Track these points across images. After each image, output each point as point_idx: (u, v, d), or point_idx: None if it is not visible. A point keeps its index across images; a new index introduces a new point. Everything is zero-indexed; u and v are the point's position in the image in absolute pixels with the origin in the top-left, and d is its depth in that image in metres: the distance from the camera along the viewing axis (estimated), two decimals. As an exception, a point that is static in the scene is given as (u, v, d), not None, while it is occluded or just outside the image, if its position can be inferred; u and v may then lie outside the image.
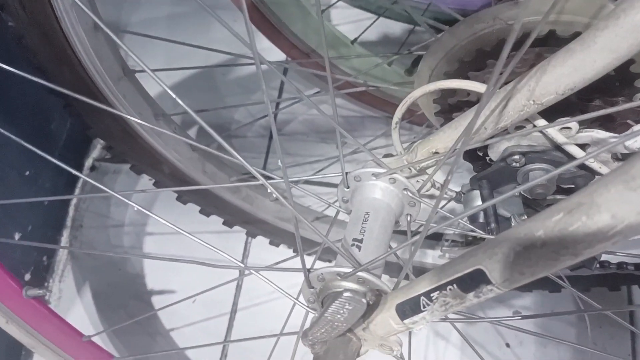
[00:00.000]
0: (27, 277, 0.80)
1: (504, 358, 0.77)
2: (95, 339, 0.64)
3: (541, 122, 0.40)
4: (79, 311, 0.82)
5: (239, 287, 0.82)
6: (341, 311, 0.29)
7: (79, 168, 0.91)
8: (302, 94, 0.42)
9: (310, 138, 0.92)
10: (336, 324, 0.30)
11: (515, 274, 0.27)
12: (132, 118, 0.56)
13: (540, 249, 0.26)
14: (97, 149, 0.94)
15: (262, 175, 0.39)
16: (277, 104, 0.93)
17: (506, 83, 0.38)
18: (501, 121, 0.38)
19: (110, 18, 0.99)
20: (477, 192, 0.46)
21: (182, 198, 0.71)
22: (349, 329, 0.34)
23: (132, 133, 0.61)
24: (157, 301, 0.82)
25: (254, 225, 0.76)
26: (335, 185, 0.44)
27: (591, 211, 0.24)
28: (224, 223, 0.75)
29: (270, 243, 0.80)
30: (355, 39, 0.80)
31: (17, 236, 0.78)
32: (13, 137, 0.46)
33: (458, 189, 0.49)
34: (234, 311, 0.81)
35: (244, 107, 0.94)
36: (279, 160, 0.42)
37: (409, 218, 0.44)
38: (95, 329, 0.80)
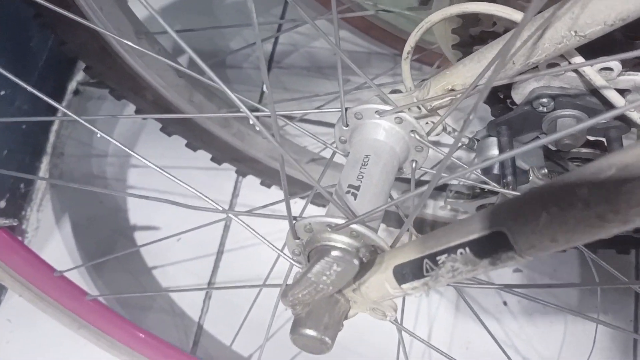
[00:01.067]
0: (2, 204, 0.75)
1: (500, 317, 0.74)
2: (71, 275, 0.60)
3: (578, 59, 0.33)
4: (57, 244, 0.77)
5: (226, 228, 0.78)
6: (327, 272, 0.24)
7: (62, 91, 0.85)
8: (305, 17, 0.35)
9: (311, 73, 0.86)
10: (321, 286, 0.25)
11: (545, 241, 0.22)
12: (108, 33, 0.50)
13: (582, 211, 0.20)
14: (81, 72, 0.87)
15: (248, 106, 0.33)
16: (279, 28, 0.85)
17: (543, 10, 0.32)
18: (534, 55, 0.32)
19: None
20: (493, 140, 0.40)
21: (167, 129, 0.65)
22: (334, 286, 0.29)
23: (111, 52, 0.54)
24: (139, 237, 0.78)
25: (244, 164, 0.70)
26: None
27: (655, 167, 0.19)
28: (212, 159, 0.69)
29: (262, 184, 0.74)
30: None
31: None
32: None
33: (471, 135, 0.44)
34: (220, 252, 0.77)
35: (240, 36, 0.86)
36: (264, 86, 0.37)
37: (414, 165, 0.39)
38: (74, 264, 0.76)
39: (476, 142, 0.42)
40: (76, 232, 0.78)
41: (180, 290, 0.71)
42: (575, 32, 0.30)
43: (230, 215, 0.36)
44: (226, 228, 0.78)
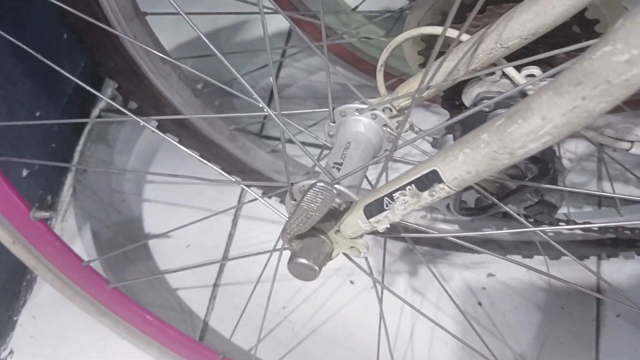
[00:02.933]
0: (32, 212, 0.84)
1: (475, 316, 0.82)
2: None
3: (504, 64, 0.44)
4: (79, 248, 0.87)
5: (230, 237, 0.87)
6: (315, 200, 0.34)
7: (86, 116, 0.96)
8: (308, 42, 0.46)
9: (307, 103, 0.97)
10: (310, 213, 0.34)
11: (463, 173, 0.32)
12: (140, 60, 0.61)
13: (484, 149, 0.30)
14: (103, 101, 0.98)
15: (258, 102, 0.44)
16: (283, 53, 0.98)
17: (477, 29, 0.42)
18: (472, 63, 0.43)
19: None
20: (451, 136, 0.51)
21: (183, 142, 0.75)
22: (323, 232, 0.39)
23: (140, 73, 0.65)
24: (153, 242, 0.87)
25: (249, 175, 0.80)
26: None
27: (526, 114, 0.29)
28: (222, 169, 0.80)
29: (263, 194, 0.84)
30: (356, 7, 0.85)
31: (24, 172, 0.82)
32: (48, 62, 0.50)
33: (437, 136, 0.54)
34: (225, 258, 0.86)
35: (250, 63, 0.97)
36: (273, 87, 0.47)
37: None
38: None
39: (437, 140, 0.52)
40: (96, 239, 0.88)
41: (195, 266, 0.80)
42: (501, 44, 0.41)
43: (242, 185, 0.46)
44: (230, 237, 0.87)
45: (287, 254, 0.40)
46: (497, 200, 0.50)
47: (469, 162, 0.31)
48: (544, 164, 0.47)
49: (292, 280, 0.71)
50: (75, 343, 0.82)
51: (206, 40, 0.44)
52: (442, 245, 0.85)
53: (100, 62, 0.64)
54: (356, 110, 0.47)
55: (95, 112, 0.98)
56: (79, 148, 0.94)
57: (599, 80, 0.25)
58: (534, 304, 0.82)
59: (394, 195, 0.34)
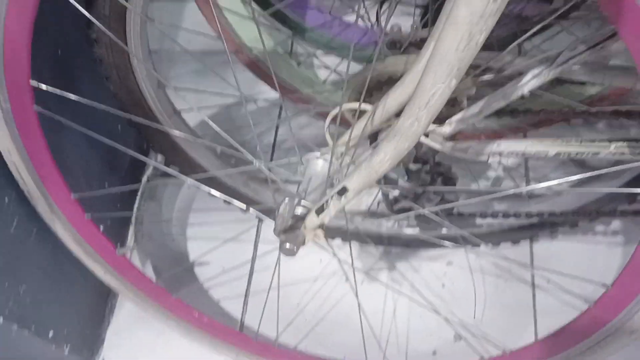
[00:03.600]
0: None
1: (441, 294, 1.10)
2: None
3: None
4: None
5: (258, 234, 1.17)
6: (286, 208, 0.63)
7: (138, 182, 1.29)
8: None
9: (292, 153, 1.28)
10: (285, 215, 0.64)
11: (356, 185, 0.62)
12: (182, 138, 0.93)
13: (364, 171, 0.61)
14: (150, 169, 1.31)
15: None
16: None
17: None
18: (382, 120, 0.73)
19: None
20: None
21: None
22: (297, 228, 0.69)
23: (179, 149, 0.97)
24: (197, 268, 1.18)
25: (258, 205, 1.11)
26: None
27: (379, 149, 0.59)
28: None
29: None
30: (324, 80, 1.17)
31: (101, 227, 1.14)
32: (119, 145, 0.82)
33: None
34: (251, 273, 1.16)
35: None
36: (258, 144, 0.78)
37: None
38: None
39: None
40: (155, 269, 1.19)
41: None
42: (388, 112, 0.71)
43: (262, 167, 0.75)
44: (257, 234, 1.17)
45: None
46: (412, 202, 0.80)
47: (360, 179, 0.61)
48: (432, 169, 0.77)
49: (302, 284, 1.03)
50: (150, 349, 1.11)
51: (213, 125, 0.75)
52: (410, 245, 1.13)
53: (154, 145, 0.97)
54: (315, 157, 0.78)
55: (144, 178, 1.31)
56: (135, 206, 1.27)
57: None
58: (483, 280, 1.10)
59: (327, 202, 0.65)
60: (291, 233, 0.69)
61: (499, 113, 0.96)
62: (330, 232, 1.11)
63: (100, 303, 1.15)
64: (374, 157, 0.58)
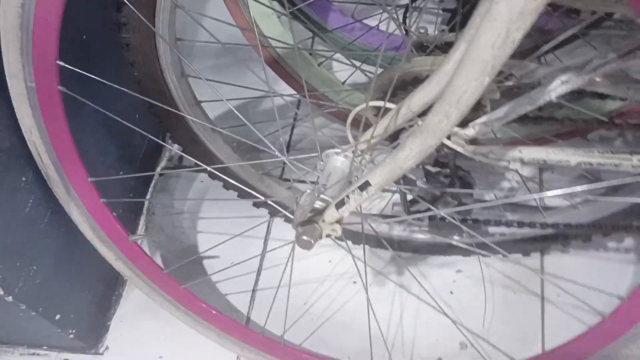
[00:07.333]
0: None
1: (448, 301, 1.10)
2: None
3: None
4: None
5: (268, 231, 1.17)
6: (307, 200, 0.63)
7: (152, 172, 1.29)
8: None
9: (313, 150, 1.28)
10: (305, 207, 0.64)
11: (381, 181, 0.62)
12: (197, 120, 0.93)
13: (388, 165, 0.61)
14: (164, 160, 1.32)
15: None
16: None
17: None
18: (398, 123, 0.73)
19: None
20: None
21: (226, 186, 1.07)
22: (315, 221, 0.69)
23: (198, 140, 0.98)
24: (206, 260, 1.18)
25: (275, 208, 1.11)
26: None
27: (404, 145, 0.59)
28: (253, 204, 1.11)
29: (285, 220, 1.15)
30: (344, 81, 1.18)
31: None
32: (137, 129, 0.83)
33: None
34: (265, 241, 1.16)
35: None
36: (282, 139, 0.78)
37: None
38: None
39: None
40: (165, 260, 1.19)
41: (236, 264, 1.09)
42: (411, 110, 0.71)
43: (285, 160, 0.75)
44: (268, 231, 1.17)
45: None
46: (430, 205, 0.80)
47: (383, 175, 0.61)
48: (452, 172, 0.77)
49: (310, 283, 1.03)
50: (154, 339, 1.11)
51: (239, 115, 0.76)
52: (420, 251, 1.13)
53: (173, 134, 0.97)
54: (335, 153, 0.78)
55: (158, 169, 1.31)
56: (147, 196, 1.27)
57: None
58: (492, 290, 1.10)
59: (349, 195, 0.65)
60: (309, 226, 0.68)
61: (522, 120, 0.97)
62: (346, 233, 1.12)
63: (107, 291, 1.15)
64: (399, 153, 0.58)
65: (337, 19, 1.28)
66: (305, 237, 0.67)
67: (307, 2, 1.17)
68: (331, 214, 0.68)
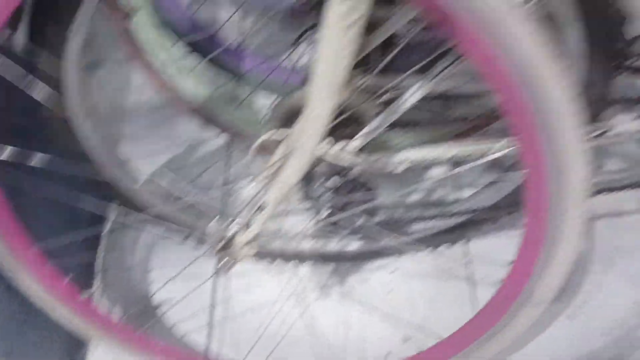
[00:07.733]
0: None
1: (387, 299, 1.19)
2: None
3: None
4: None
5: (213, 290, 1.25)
6: (215, 230, 0.73)
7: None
8: None
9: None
10: (217, 236, 0.73)
11: (273, 198, 0.71)
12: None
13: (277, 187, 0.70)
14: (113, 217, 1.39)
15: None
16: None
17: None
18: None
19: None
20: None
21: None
22: (231, 246, 0.78)
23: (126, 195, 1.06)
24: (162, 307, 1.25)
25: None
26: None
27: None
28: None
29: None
30: (262, 118, 1.29)
31: (66, 277, 1.21)
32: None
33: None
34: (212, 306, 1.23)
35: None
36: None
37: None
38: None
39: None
40: (121, 308, 1.25)
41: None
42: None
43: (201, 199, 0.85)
44: (213, 290, 1.25)
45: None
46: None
47: (274, 193, 0.71)
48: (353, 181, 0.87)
49: (262, 309, 1.10)
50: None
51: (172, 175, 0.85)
52: (357, 259, 1.23)
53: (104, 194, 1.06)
54: (248, 183, 0.88)
55: (106, 227, 1.38)
56: (97, 255, 1.35)
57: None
58: (424, 283, 1.20)
59: (251, 221, 0.74)
60: (227, 251, 0.78)
61: (421, 126, 1.09)
62: (286, 256, 1.21)
63: (77, 346, 1.21)
64: (281, 173, 0.68)
65: (249, 61, 1.39)
66: (223, 262, 0.76)
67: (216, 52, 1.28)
68: (241, 237, 0.77)
